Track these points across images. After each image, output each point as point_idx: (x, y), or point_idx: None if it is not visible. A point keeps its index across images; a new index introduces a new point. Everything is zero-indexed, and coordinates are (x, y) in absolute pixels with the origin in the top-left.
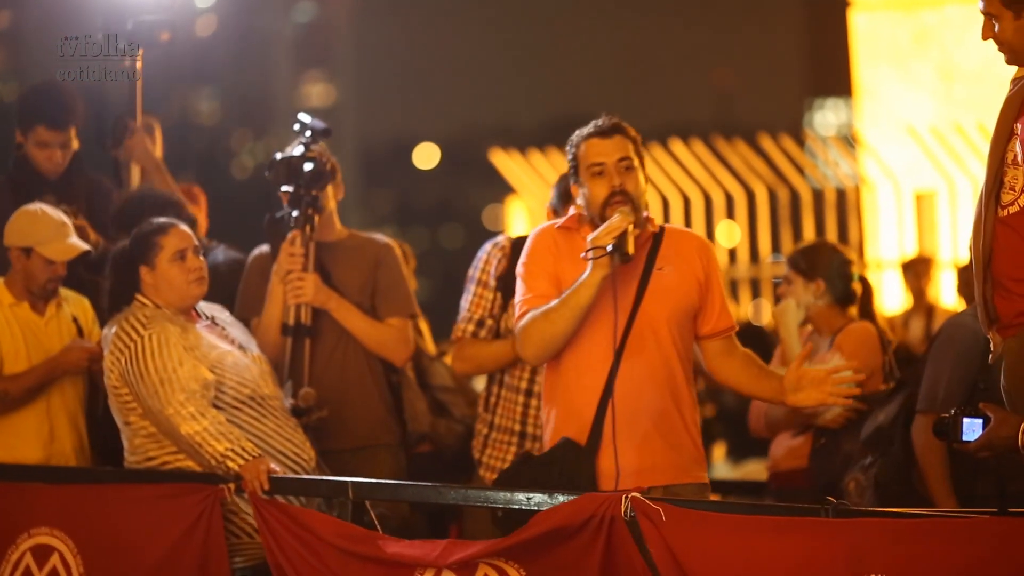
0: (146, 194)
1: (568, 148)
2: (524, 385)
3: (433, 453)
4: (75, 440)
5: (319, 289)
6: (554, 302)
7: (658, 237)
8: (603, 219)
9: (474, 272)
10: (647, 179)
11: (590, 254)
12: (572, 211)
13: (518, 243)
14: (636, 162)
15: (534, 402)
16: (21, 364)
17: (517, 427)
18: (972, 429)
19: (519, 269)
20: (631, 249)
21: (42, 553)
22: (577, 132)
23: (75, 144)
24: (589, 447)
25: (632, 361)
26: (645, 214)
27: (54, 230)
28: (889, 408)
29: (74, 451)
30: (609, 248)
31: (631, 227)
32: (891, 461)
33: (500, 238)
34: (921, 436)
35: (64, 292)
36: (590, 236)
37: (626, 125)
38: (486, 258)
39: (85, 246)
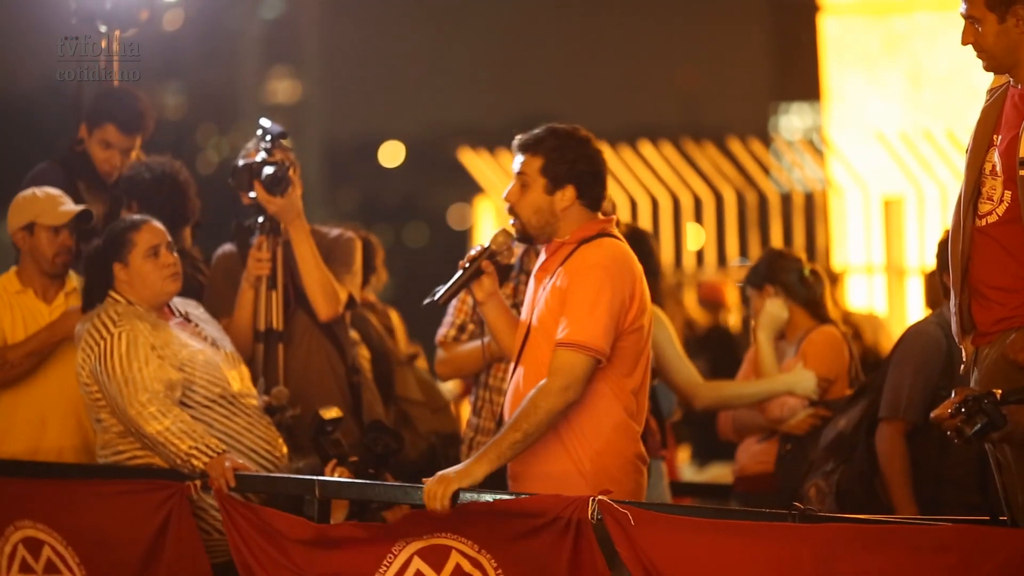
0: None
1: None
2: (501, 385)
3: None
4: (74, 436)
5: (290, 205)
6: None
7: None
8: None
9: None
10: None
11: None
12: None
13: None
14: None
15: None
16: None
17: (495, 427)
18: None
19: None
20: None
21: (34, 545)
22: None
23: (135, 153)
24: None
25: None
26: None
27: (51, 203)
28: (851, 414)
29: (73, 448)
30: None
31: None
32: (853, 468)
33: None
34: (885, 443)
35: (77, 282)
36: None
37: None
38: None
39: (79, 207)
